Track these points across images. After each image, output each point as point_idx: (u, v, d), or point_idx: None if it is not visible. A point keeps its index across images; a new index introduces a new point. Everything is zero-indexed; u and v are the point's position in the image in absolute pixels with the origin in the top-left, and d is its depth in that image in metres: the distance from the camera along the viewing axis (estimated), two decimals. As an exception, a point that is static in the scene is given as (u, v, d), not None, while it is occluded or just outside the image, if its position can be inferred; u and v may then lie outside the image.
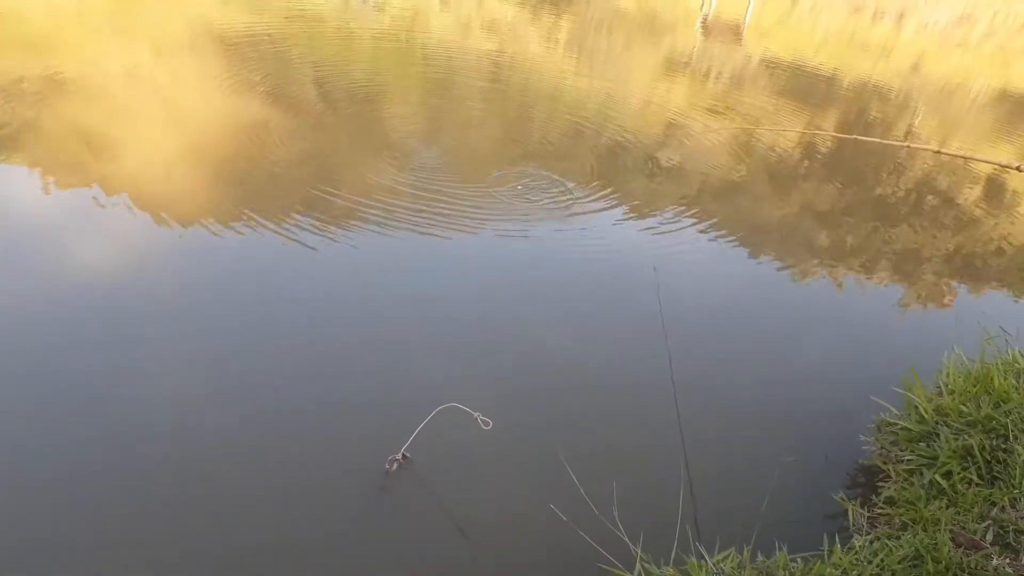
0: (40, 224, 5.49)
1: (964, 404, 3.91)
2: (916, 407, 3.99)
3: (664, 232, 6.72)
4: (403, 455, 3.63)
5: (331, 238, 5.70)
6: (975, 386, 4.04)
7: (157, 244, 5.37)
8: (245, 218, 5.77)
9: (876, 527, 3.47)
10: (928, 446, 3.76)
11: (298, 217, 5.89)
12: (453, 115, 9.55)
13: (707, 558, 3.12)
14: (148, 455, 3.60)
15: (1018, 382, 4.04)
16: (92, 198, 5.87)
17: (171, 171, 6.52)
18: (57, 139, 6.95)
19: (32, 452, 3.54)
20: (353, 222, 5.95)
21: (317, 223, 5.85)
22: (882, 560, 3.12)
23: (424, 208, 6.35)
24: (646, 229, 6.69)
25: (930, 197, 8.92)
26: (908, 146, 9.35)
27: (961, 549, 3.13)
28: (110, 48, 10.01)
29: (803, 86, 13.99)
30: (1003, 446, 3.60)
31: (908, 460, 3.77)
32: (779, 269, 6.54)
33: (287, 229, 5.72)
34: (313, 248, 5.55)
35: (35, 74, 8.25)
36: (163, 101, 8.32)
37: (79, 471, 3.46)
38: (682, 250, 6.47)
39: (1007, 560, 3.03)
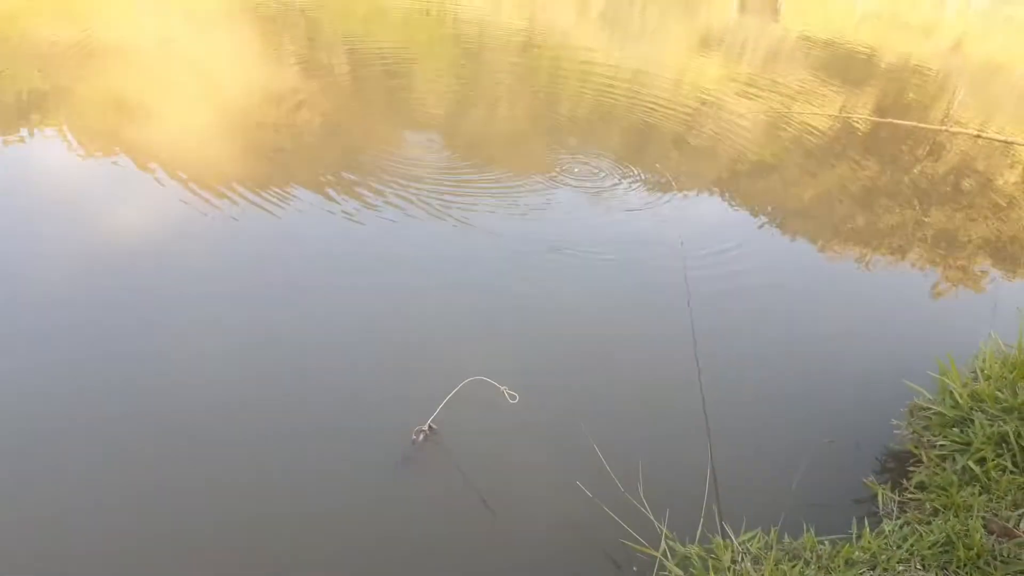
0: (70, 189, 5.56)
1: (1000, 390, 3.82)
2: (951, 392, 3.90)
3: (693, 209, 6.64)
4: (429, 427, 3.64)
5: (361, 210, 5.70)
6: (1012, 372, 3.95)
7: (185, 211, 5.40)
8: (275, 187, 5.78)
9: (906, 512, 3.42)
10: (962, 432, 3.68)
11: (328, 189, 5.90)
12: (482, 89, 9.49)
13: (733, 537, 3.10)
14: (173, 430, 3.65)
15: (1058, 369, 3.94)
16: (121, 165, 5.93)
17: (201, 139, 6.55)
18: (90, 105, 7.00)
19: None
20: (381, 196, 5.93)
21: (346, 195, 5.86)
22: (912, 545, 3.08)
23: (451, 182, 6.33)
24: (675, 206, 6.60)
25: (967, 180, 8.68)
26: (945, 130, 9.13)
27: (993, 536, 3.08)
28: (144, 17, 10.05)
29: (840, 64, 13.69)
30: (1040, 433, 3.52)
31: (941, 445, 3.69)
32: (810, 249, 6.42)
33: (319, 200, 5.74)
34: (342, 219, 5.56)
35: (71, 42, 8.31)
36: (195, 70, 8.34)
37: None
38: (711, 228, 6.39)
39: (1041, 548, 2.98)
